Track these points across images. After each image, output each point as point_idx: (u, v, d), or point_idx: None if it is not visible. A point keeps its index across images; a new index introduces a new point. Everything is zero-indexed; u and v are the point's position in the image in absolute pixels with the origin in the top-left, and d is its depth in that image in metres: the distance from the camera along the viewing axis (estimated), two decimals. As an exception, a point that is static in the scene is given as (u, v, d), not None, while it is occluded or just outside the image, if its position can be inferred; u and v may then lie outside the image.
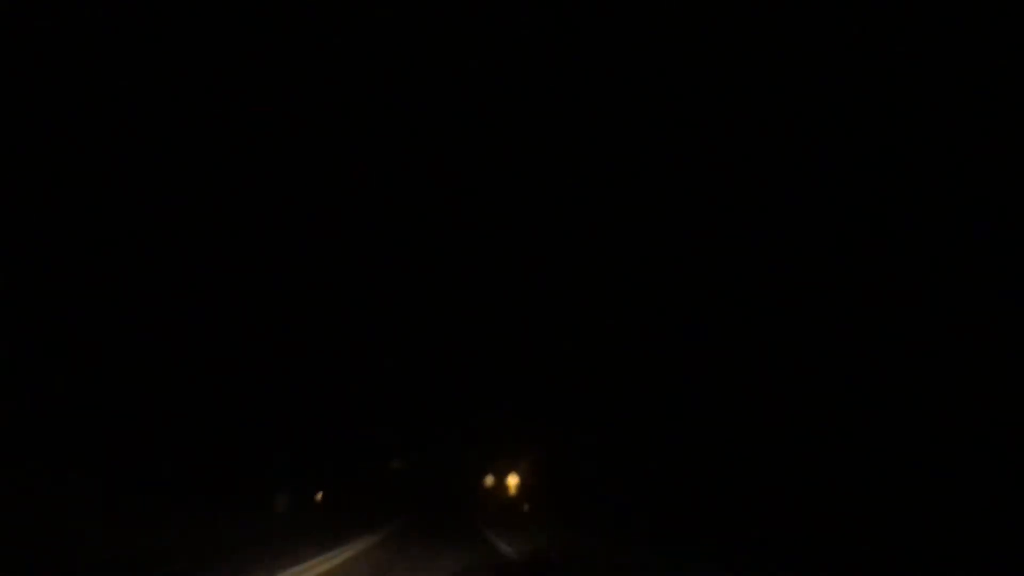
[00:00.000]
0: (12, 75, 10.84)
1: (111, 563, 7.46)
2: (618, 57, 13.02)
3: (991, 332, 8.72)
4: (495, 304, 24.35)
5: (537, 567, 10.50)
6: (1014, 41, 8.49)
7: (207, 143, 14.16)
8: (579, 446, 23.59)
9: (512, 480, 37.02)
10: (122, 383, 13.98)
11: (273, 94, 14.09)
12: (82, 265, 13.19)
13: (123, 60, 12.09)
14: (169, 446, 14.85)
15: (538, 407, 27.68)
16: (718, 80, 12.24)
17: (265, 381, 19.13)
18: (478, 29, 12.97)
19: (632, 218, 16.00)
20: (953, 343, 9.07)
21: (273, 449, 20.25)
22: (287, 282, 18.68)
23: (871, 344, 10.30)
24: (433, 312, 25.85)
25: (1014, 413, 8.18)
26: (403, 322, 26.04)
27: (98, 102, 12.25)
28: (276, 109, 14.42)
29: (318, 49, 13.35)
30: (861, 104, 10.43)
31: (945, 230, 9.50)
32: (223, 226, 15.80)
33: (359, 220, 19.10)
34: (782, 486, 11.73)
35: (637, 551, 12.93)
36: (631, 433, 18.65)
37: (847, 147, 10.82)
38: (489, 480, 39.62)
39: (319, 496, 26.20)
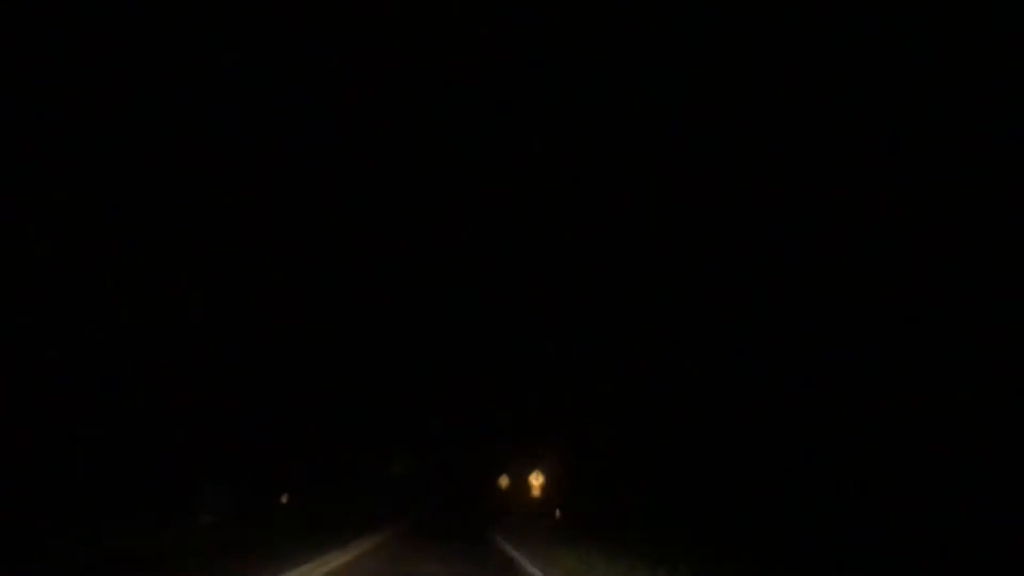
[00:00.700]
0: (12, 75, 10.75)
1: None
2: (618, 59, 13.18)
3: (991, 332, 8.80)
4: (497, 301, 25.02)
5: None
6: (1014, 41, 8.56)
7: (209, 143, 14.27)
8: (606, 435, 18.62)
9: (536, 480, 30.68)
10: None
11: (275, 96, 14.30)
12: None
13: (123, 60, 11.98)
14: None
15: (561, 396, 25.31)
16: (718, 81, 12.29)
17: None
18: (478, 31, 13.03)
19: (655, 223, 15.57)
20: (953, 343, 9.18)
21: (198, 439, 15.26)
22: (287, 282, 19.33)
23: (897, 346, 10.21)
24: (434, 312, 27.05)
25: (1014, 413, 8.30)
26: (404, 322, 26.93)
27: (98, 102, 12.08)
28: (281, 112, 14.72)
29: (322, 52, 13.56)
30: (861, 104, 10.47)
31: (945, 230, 9.51)
32: (223, 225, 16.02)
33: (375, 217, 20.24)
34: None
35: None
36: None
37: (847, 147, 10.84)
38: (504, 481, 34.15)
39: (284, 499, 21.29)
